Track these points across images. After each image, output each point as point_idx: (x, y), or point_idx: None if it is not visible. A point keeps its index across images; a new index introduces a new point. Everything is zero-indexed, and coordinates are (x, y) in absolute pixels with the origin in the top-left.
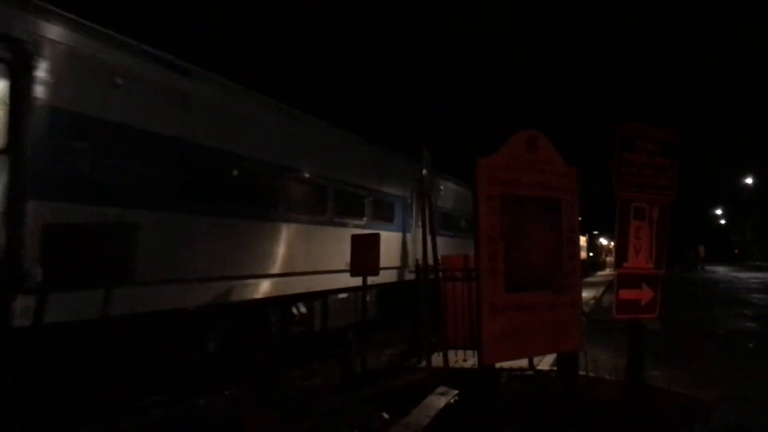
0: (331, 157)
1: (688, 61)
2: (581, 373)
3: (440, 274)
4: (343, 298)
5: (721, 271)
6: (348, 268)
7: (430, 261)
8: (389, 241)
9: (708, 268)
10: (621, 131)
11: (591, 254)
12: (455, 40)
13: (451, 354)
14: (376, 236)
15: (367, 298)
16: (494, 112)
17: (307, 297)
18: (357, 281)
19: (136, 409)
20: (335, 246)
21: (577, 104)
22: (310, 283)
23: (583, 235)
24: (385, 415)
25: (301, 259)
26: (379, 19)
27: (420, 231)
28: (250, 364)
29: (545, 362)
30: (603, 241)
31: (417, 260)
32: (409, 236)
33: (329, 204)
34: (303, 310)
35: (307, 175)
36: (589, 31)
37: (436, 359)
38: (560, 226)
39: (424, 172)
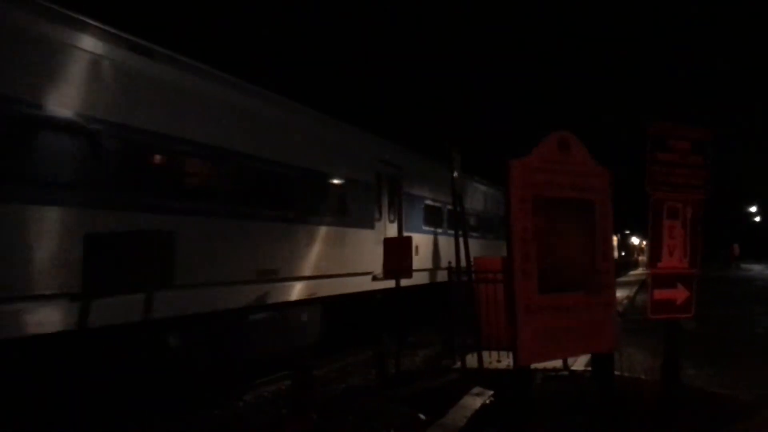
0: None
1: (723, 58)
2: (616, 373)
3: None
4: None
5: (756, 269)
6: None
7: (463, 262)
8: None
9: (743, 266)
10: (652, 131)
11: (623, 253)
12: (485, 40)
13: (485, 355)
14: (409, 239)
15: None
16: (524, 112)
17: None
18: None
19: (175, 415)
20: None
21: (611, 102)
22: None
23: (615, 234)
24: (422, 416)
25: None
26: (403, 19)
27: (392, 225)
28: (287, 365)
29: (580, 362)
30: (635, 240)
31: (450, 262)
32: (370, 233)
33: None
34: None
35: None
36: (623, 28)
37: (471, 360)
38: (593, 226)
39: (455, 174)
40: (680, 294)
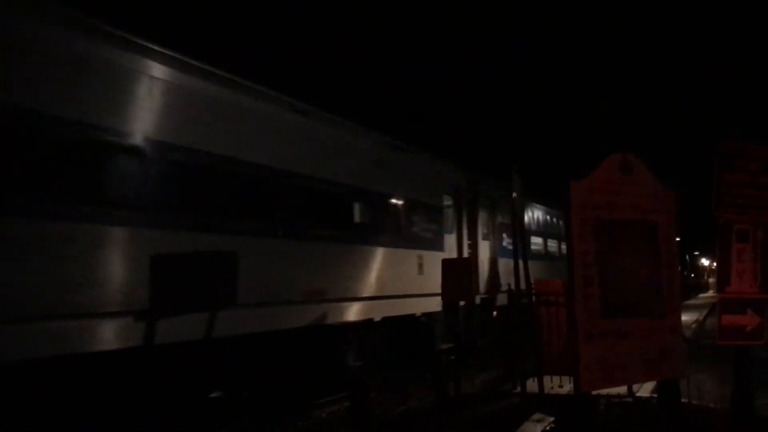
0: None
1: None
2: (684, 400)
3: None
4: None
5: None
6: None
7: (523, 285)
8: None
9: None
10: (721, 150)
11: (692, 275)
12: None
13: (546, 380)
14: (468, 260)
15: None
16: (587, 132)
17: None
18: None
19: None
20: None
21: (675, 118)
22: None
23: (684, 255)
24: None
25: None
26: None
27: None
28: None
29: (645, 389)
30: (705, 261)
31: (509, 284)
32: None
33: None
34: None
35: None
36: (686, 44)
37: (531, 385)
38: (658, 249)
39: (515, 195)
40: (751, 320)
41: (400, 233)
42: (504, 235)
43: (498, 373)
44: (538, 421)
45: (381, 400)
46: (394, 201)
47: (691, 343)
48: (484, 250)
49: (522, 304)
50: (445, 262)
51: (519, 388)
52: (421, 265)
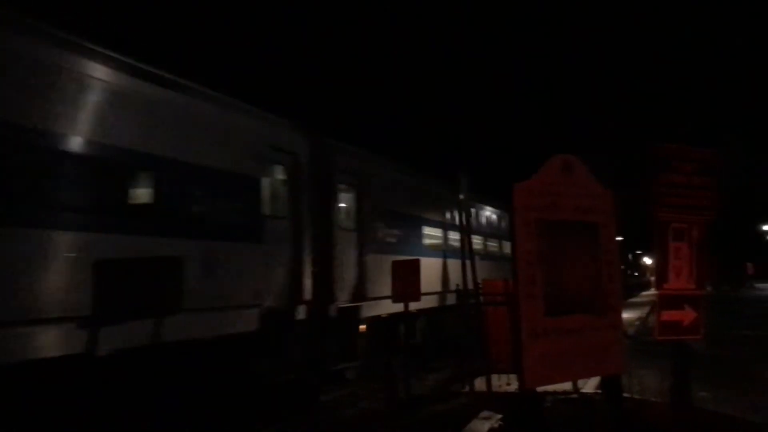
0: None
1: (730, 75)
2: (626, 395)
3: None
4: None
5: None
6: None
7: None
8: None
9: (757, 285)
10: (657, 152)
11: (636, 274)
12: (490, 65)
13: (494, 378)
14: (417, 261)
15: None
16: (527, 136)
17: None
18: None
19: None
20: None
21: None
22: None
23: (628, 254)
24: None
25: None
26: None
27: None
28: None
29: (590, 385)
30: (647, 260)
31: (458, 285)
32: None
33: None
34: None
35: None
36: (632, 47)
37: (480, 384)
38: (598, 248)
39: (461, 196)
40: (688, 315)
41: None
42: (383, 226)
43: (449, 373)
44: (486, 419)
45: (332, 402)
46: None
47: (633, 339)
48: (345, 244)
49: (470, 304)
50: (395, 264)
51: (467, 388)
52: (209, 264)
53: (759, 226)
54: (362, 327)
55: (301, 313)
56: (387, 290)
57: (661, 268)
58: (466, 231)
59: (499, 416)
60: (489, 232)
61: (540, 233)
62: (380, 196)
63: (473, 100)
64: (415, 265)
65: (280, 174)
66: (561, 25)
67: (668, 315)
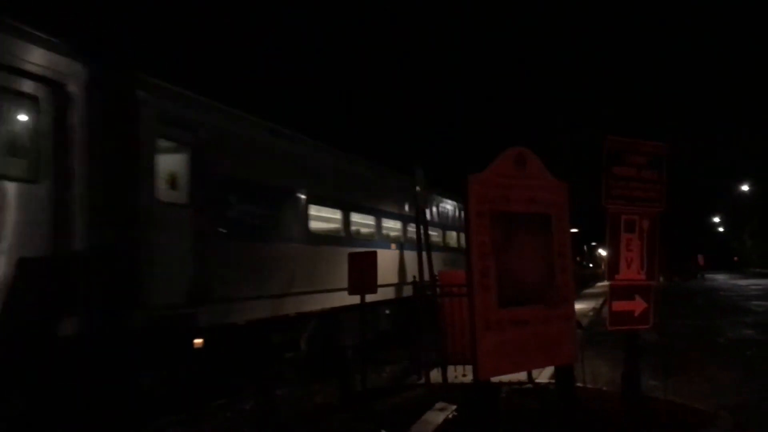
0: None
1: (684, 70)
2: (579, 384)
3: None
4: None
5: (720, 279)
6: None
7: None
8: None
9: (708, 276)
10: (609, 145)
11: (591, 265)
12: (444, 53)
13: (450, 369)
14: (374, 254)
15: None
16: (483, 128)
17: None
18: None
19: None
20: None
21: (571, 115)
22: None
23: (582, 246)
24: None
25: None
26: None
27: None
28: (249, 385)
29: (544, 375)
30: (602, 252)
31: (414, 276)
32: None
33: None
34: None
35: None
36: (580, 39)
37: (436, 375)
38: (551, 240)
39: (418, 189)
40: (638, 305)
41: None
42: (240, 202)
43: (405, 365)
44: (441, 410)
45: (287, 397)
46: None
47: (586, 329)
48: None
49: (426, 296)
50: (352, 256)
51: (423, 379)
52: None
53: (709, 218)
54: (198, 341)
55: (68, 327)
56: (251, 289)
57: (612, 259)
58: (423, 223)
59: (454, 407)
60: (443, 223)
61: (493, 225)
62: (236, 163)
63: (428, 91)
64: (372, 258)
65: (32, 116)
66: (519, 15)
67: (619, 305)
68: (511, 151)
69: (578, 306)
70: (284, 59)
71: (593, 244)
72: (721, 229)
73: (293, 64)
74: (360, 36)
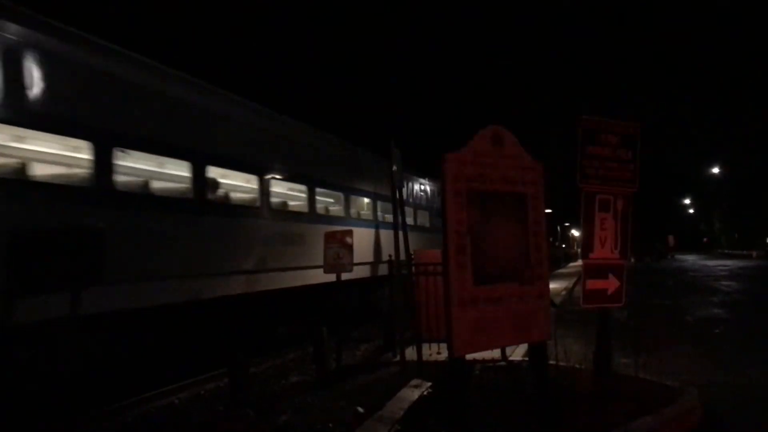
0: None
1: (654, 52)
2: (552, 362)
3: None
4: None
5: (690, 259)
6: None
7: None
8: None
9: (678, 257)
10: (584, 125)
11: (563, 245)
12: (424, 33)
13: (425, 347)
14: (350, 232)
15: None
16: (460, 107)
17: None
18: None
19: (110, 411)
20: None
21: (544, 96)
22: None
23: (556, 226)
24: (360, 409)
25: None
26: (346, 12)
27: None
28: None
29: (518, 353)
30: (575, 232)
31: (390, 255)
32: None
33: None
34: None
35: None
36: (553, 24)
37: (411, 353)
38: (526, 219)
39: (394, 168)
40: (611, 284)
41: None
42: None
43: (379, 343)
44: (416, 386)
45: (261, 374)
46: None
47: (559, 308)
48: None
49: (402, 274)
50: (327, 235)
51: (398, 357)
52: None
53: (680, 199)
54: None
55: None
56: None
57: (587, 238)
58: (399, 203)
59: (429, 384)
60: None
61: (470, 203)
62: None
63: (408, 70)
64: (348, 235)
65: None
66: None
67: (593, 283)
68: (488, 129)
69: (551, 285)
70: (261, 33)
71: (566, 224)
72: (691, 211)
73: (270, 39)
74: (340, 12)
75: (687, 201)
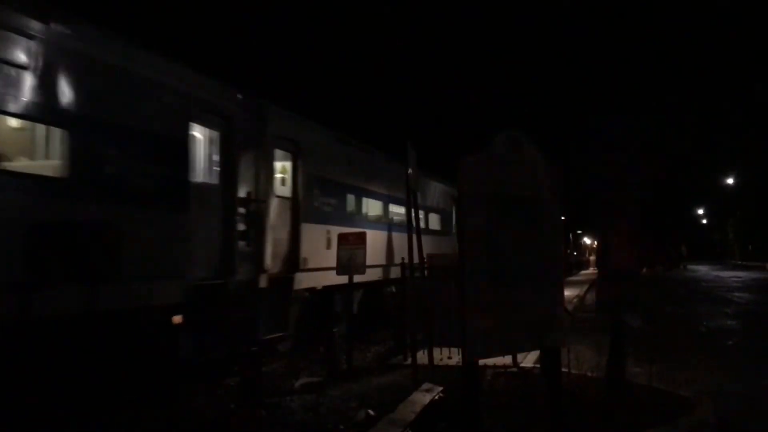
0: None
1: (671, 62)
2: (564, 370)
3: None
4: None
5: (703, 270)
6: None
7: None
8: None
9: (690, 267)
10: (600, 132)
11: (575, 253)
12: (441, 37)
13: (436, 351)
14: (363, 234)
15: None
16: (478, 111)
17: None
18: None
19: (122, 409)
20: None
21: (560, 104)
22: None
23: (568, 234)
24: (371, 412)
25: None
26: (362, 15)
27: None
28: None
29: (529, 359)
30: (587, 240)
31: (403, 258)
32: None
33: None
34: None
35: None
36: (568, 31)
37: (422, 357)
38: (542, 223)
39: (410, 171)
40: (625, 291)
41: None
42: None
43: (390, 346)
44: (427, 390)
45: (272, 374)
46: None
47: (571, 315)
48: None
49: (414, 278)
50: (341, 236)
51: (409, 360)
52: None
53: (693, 209)
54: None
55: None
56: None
57: (602, 246)
58: (413, 206)
59: (441, 388)
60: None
61: (485, 208)
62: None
63: (424, 75)
64: (361, 238)
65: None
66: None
67: (608, 291)
68: (505, 134)
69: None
70: (277, 36)
71: (578, 232)
72: (704, 221)
73: (287, 42)
74: (355, 17)
75: (701, 211)
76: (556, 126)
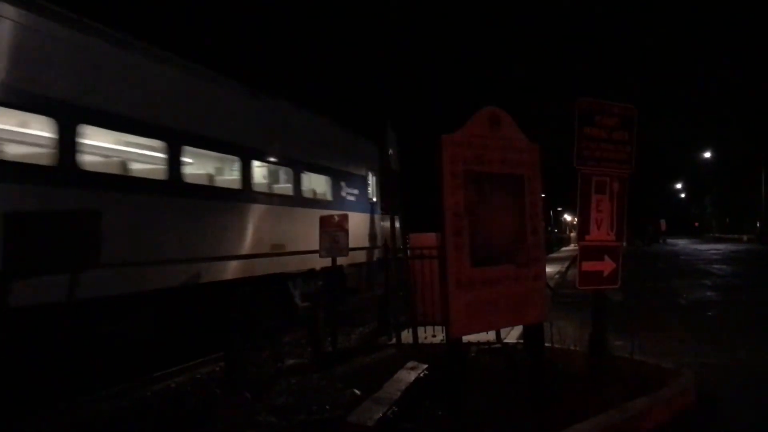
0: None
1: (649, 36)
2: (547, 344)
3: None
4: None
5: (681, 243)
6: None
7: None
8: None
9: (669, 241)
10: (580, 107)
11: (556, 230)
12: (421, 15)
13: (420, 330)
14: (346, 216)
15: None
16: (458, 89)
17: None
18: None
19: (107, 395)
20: None
21: (540, 81)
22: None
23: (548, 211)
24: (357, 391)
25: None
26: None
27: None
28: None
29: (512, 335)
30: (567, 217)
31: (386, 240)
32: None
33: None
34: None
35: None
36: (550, 8)
37: (406, 336)
38: (523, 201)
39: (390, 151)
40: (607, 265)
41: None
42: None
43: (375, 326)
44: (412, 368)
45: (257, 357)
46: None
47: (553, 291)
48: None
49: (397, 258)
50: (323, 219)
51: (394, 340)
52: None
53: (671, 184)
54: None
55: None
56: None
57: (583, 220)
58: (393, 185)
59: (425, 366)
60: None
61: (466, 185)
62: None
63: (401, 49)
64: (343, 220)
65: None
66: None
67: (589, 265)
68: (485, 111)
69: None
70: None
71: (559, 209)
72: (682, 196)
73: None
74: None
75: (678, 185)
76: (535, 102)
